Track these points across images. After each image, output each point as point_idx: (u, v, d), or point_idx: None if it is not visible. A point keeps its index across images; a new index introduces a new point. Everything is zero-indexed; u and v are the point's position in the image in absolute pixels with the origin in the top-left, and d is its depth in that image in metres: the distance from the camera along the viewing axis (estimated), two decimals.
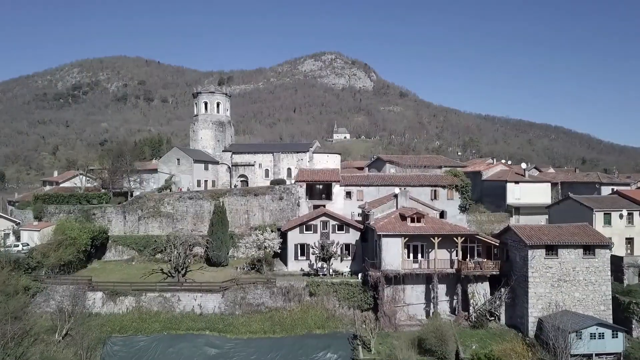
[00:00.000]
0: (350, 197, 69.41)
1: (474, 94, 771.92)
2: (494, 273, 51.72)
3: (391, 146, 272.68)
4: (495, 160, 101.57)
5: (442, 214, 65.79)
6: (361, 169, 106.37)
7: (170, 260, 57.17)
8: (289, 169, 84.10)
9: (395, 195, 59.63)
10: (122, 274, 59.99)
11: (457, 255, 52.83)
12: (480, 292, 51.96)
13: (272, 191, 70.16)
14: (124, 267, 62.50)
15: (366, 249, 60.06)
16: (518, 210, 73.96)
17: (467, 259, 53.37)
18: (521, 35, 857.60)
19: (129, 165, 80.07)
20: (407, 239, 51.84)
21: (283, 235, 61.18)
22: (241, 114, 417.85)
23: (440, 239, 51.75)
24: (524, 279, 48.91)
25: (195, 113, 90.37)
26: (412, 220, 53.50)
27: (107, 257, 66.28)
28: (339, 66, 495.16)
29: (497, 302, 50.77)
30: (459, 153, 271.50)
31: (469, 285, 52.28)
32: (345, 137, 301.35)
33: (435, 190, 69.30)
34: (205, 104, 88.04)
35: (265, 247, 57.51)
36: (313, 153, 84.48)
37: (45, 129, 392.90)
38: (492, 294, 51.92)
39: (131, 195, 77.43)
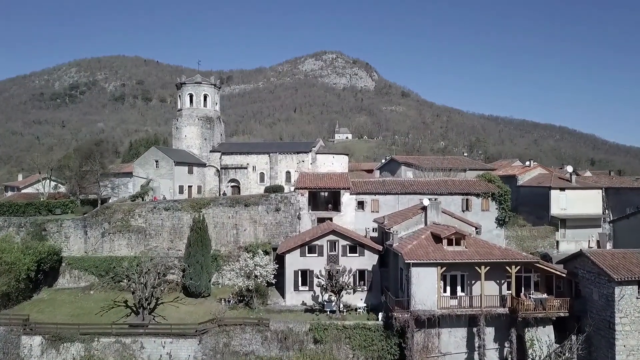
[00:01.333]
0: (362, 208, 55.69)
1: (476, 93, 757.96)
2: (562, 314, 38.31)
3: (395, 146, 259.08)
4: (531, 163, 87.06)
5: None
6: (370, 171, 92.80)
7: (134, 293, 43.65)
8: (287, 173, 70.55)
9: (424, 208, 46.00)
10: (75, 308, 46.39)
11: (509, 289, 39.40)
12: (542, 340, 38.34)
13: (266, 201, 56.46)
14: (78, 298, 48.74)
15: (386, 276, 46.46)
16: (564, 222, 60.27)
17: (522, 294, 39.92)
18: (523, 34, 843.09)
19: (100, 167, 66.38)
20: (444, 268, 38.37)
21: (279, 259, 47.73)
22: (240, 114, 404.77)
23: (488, 268, 38.27)
24: (606, 326, 35.34)
25: (179, 107, 76.67)
26: (450, 243, 39.83)
27: (60, 283, 52.30)
28: (340, 66, 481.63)
29: (567, 355, 37.09)
30: (465, 154, 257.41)
31: (526, 330, 38.66)
32: (347, 138, 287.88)
33: (467, 200, 55.51)
34: (191, 96, 74.29)
35: (256, 277, 43.89)
36: (316, 154, 70.96)
37: (40, 129, 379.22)
38: (558, 342, 38.48)
39: (102, 204, 63.84)
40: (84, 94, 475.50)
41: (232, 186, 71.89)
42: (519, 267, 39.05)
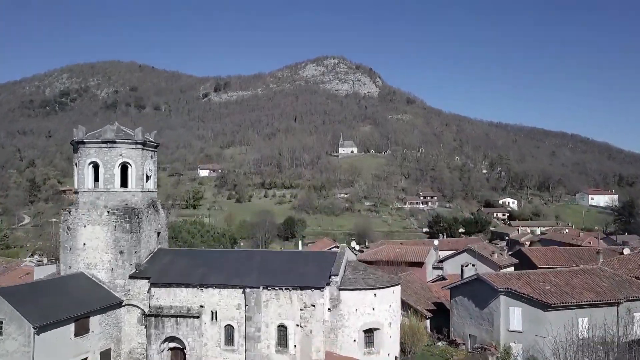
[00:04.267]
0: None
1: (482, 98, 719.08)
2: None
3: (406, 163, 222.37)
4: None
5: None
6: (419, 265, 56.00)
7: None
8: (282, 330, 33.87)
9: None
10: None
11: None
12: None
13: None
14: None
15: None
16: None
17: None
18: (530, 37, 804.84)
19: None
20: None
21: None
22: (237, 123, 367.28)
23: None
24: None
25: (75, 187, 39.38)
26: None
27: None
28: (342, 71, 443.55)
29: None
30: (485, 171, 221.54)
31: None
32: (352, 152, 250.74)
33: None
34: (95, 168, 37.54)
35: None
36: (340, 289, 34.11)
37: (24, 140, 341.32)
38: None
39: None
40: (75, 101, 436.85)
41: (171, 350, 35.16)
42: None
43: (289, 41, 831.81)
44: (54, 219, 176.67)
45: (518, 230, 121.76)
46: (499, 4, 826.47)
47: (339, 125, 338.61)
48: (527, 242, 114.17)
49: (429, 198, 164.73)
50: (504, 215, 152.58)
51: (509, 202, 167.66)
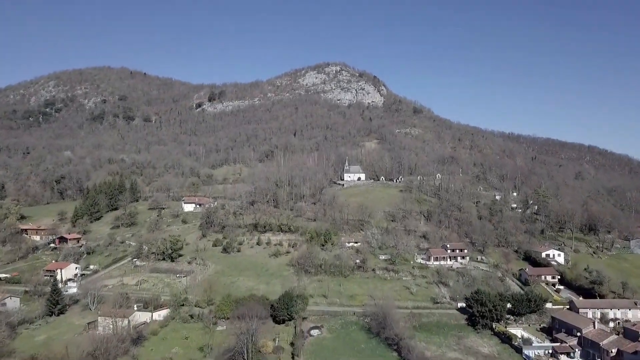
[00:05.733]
0: None
1: (492, 105, 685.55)
2: None
3: (423, 195, 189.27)
4: None
5: None
6: None
7: None
8: None
9: None
10: None
11: None
12: None
13: None
14: None
15: None
16: None
17: None
18: (541, 44, 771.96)
19: None
20: None
21: None
22: (232, 137, 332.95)
23: None
24: None
25: None
26: None
27: None
28: (344, 79, 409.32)
29: None
30: (514, 205, 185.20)
31: None
32: (359, 179, 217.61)
33: None
34: None
35: None
36: None
37: None
38: None
39: None
40: (60, 112, 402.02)
41: None
42: None
43: (288, 46, 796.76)
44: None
45: (594, 324, 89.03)
46: (510, 6, 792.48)
47: (342, 140, 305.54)
48: (612, 350, 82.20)
49: (457, 251, 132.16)
50: (553, 278, 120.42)
51: (553, 255, 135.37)
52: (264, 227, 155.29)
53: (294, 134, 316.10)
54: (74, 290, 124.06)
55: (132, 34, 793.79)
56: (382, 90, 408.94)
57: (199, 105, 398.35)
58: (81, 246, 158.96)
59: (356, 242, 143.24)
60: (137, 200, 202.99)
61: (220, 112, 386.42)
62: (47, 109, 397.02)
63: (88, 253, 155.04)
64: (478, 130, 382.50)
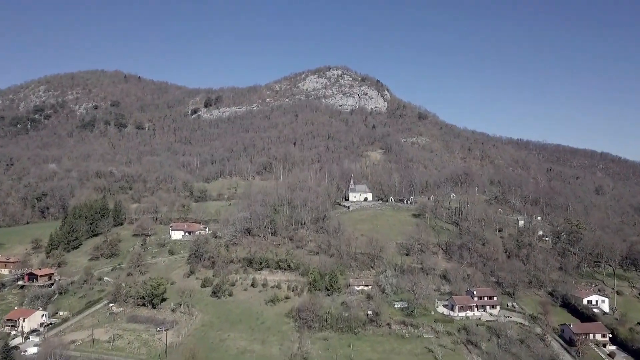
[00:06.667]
0: None
1: (499, 110, 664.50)
2: None
3: (439, 221, 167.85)
4: None
5: None
6: None
7: None
8: None
9: None
10: None
11: None
12: None
13: None
14: None
15: None
16: None
17: None
18: (548, 48, 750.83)
19: None
20: None
21: None
22: (229, 147, 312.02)
23: None
24: None
25: None
26: None
27: None
28: (346, 84, 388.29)
29: None
30: (547, 238, 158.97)
31: None
32: (366, 199, 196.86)
33: None
34: None
35: None
36: None
37: None
38: None
39: None
40: (49, 118, 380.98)
41: None
42: None
43: (288, 49, 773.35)
44: None
45: None
46: (517, 9, 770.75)
47: (345, 151, 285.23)
48: None
49: (486, 299, 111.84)
50: (604, 336, 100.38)
51: (597, 302, 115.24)
52: (260, 263, 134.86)
53: (294, 144, 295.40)
54: (34, 350, 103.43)
55: (127, 35, 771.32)
56: (386, 95, 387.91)
57: (195, 111, 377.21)
58: (52, 284, 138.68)
59: (366, 286, 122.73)
60: (121, 224, 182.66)
61: (217, 119, 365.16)
62: (36, 116, 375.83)
63: (60, 293, 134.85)
64: (486, 137, 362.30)
